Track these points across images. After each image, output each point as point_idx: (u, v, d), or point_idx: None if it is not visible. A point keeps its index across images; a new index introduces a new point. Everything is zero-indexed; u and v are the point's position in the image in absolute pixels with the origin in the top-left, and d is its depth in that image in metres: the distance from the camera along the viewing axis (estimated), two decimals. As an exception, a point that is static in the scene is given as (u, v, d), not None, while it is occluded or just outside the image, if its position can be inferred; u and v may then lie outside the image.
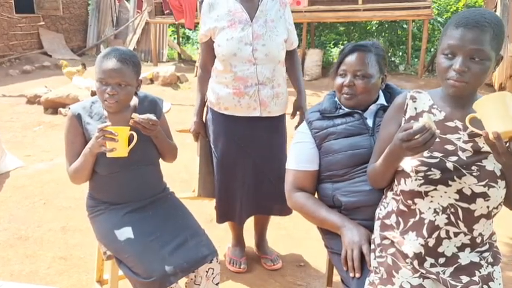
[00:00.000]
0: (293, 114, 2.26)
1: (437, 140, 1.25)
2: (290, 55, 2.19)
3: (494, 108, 1.10)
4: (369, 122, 1.58)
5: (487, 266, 1.28)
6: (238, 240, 2.45)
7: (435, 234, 1.26)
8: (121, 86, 1.61)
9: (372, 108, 1.60)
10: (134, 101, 1.78)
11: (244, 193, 2.18)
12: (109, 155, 1.57)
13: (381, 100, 1.63)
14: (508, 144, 1.09)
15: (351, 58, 1.58)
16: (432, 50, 10.19)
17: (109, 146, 1.55)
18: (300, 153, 1.64)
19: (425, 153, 1.25)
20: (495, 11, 7.03)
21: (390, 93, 1.67)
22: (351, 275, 1.39)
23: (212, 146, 2.19)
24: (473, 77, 1.18)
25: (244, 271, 2.36)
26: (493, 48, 1.18)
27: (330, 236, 1.58)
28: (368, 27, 11.02)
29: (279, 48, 2.03)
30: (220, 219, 2.28)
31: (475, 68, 1.18)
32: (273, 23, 2.03)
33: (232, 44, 1.98)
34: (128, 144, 1.60)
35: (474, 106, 1.14)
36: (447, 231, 1.26)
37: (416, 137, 1.14)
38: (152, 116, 1.65)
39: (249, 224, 2.42)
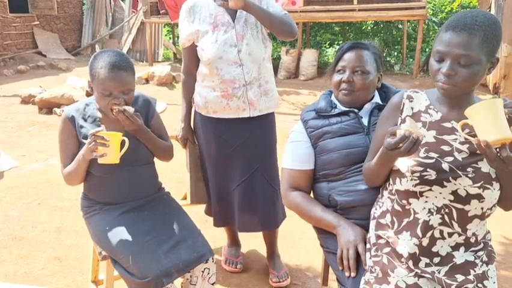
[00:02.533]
0: None
1: (434, 140, 1.26)
2: None
3: (484, 116, 1.11)
4: (365, 121, 1.59)
5: (482, 265, 1.29)
6: (234, 240, 2.45)
7: (429, 234, 1.26)
8: (123, 94, 1.61)
9: (368, 107, 1.60)
10: None
11: (241, 195, 2.12)
12: (100, 160, 1.56)
13: (377, 99, 1.64)
14: (499, 150, 1.10)
15: (350, 55, 1.60)
16: (427, 50, 10.24)
17: (100, 151, 1.54)
18: (295, 152, 1.64)
19: (421, 154, 1.26)
20: (489, 11, 7.08)
21: (385, 93, 1.68)
22: (347, 274, 1.39)
23: (203, 151, 2.16)
24: (461, 81, 1.19)
25: (240, 271, 2.36)
26: (483, 51, 1.17)
27: (326, 235, 1.58)
28: (363, 28, 11.05)
29: (260, 46, 2.01)
30: (218, 223, 2.26)
31: (462, 72, 1.18)
32: (252, 19, 1.99)
33: (217, 47, 1.95)
34: (120, 150, 1.59)
35: (466, 113, 1.15)
36: (441, 231, 1.26)
37: (399, 145, 1.18)
38: (129, 108, 1.61)
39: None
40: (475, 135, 1.14)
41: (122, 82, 1.59)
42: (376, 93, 1.66)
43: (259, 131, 2.09)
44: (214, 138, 2.09)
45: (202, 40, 2.00)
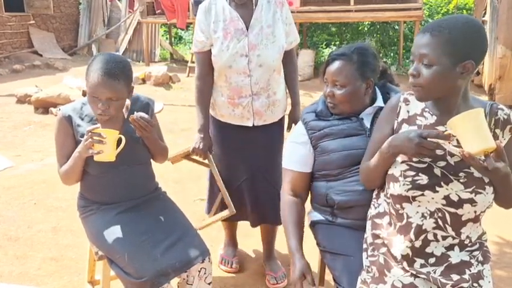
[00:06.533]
0: (289, 128, 2.17)
1: None
2: (286, 56, 2.07)
3: (465, 127, 1.12)
4: (367, 123, 1.59)
5: (477, 265, 1.29)
6: (231, 240, 2.45)
7: (422, 237, 1.27)
8: (112, 100, 1.57)
9: (369, 111, 1.60)
10: (127, 102, 1.77)
11: (245, 192, 2.14)
12: (96, 158, 1.55)
13: (379, 102, 1.61)
14: (484, 159, 1.11)
15: (331, 67, 1.60)
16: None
17: (96, 148, 1.54)
18: (294, 153, 1.65)
19: (414, 158, 1.26)
20: (485, 13, 7.10)
21: (388, 94, 1.65)
22: None
23: (214, 146, 2.16)
24: (424, 82, 1.21)
25: (235, 270, 2.36)
26: (445, 52, 1.17)
27: (322, 235, 1.59)
28: (359, 28, 11.08)
29: (274, 57, 1.96)
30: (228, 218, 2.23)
31: (424, 72, 1.21)
32: (269, 29, 1.95)
33: (227, 55, 1.92)
34: (117, 148, 1.59)
35: (448, 124, 1.16)
36: (435, 235, 1.27)
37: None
38: (145, 115, 1.64)
39: (246, 226, 2.42)
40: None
41: (110, 89, 1.55)
42: (379, 96, 1.65)
43: (262, 137, 2.08)
44: (220, 136, 2.12)
45: (213, 46, 1.97)
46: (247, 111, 2.01)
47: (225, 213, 2.11)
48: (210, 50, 2.00)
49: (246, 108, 2.01)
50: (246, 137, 2.07)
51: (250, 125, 2.04)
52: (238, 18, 1.94)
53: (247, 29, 1.94)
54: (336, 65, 1.58)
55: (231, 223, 2.36)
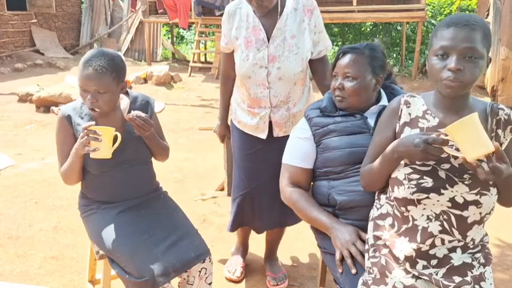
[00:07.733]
0: None
1: None
2: (317, 65, 1.99)
3: (464, 135, 1.11)
4: (371, 122, 1.58)
5: (479, 267, 1.29)
6: (243, 245, 2.40)
7: (429, 242, 1.26)
8: (99, 93, 1.59)
9: (374, 109, 1.60)
10: (126, 101, 1.77)
11: (262, 196, 2.09)
12: (92, 155, 1.56)
13: (384, 101, 1.62)
14: (486, 162, 1.11)
15: (342, 61, 1.60)
16: (426, 51, 10.28)
17: (92, 146, 1.54)
18: (296, 148, 1.65)
19: (418, 161, 1.25)
20: (487, 14, 7.09)
21: (393, 94, 1.66)
22: (353, 271, 1.39)
23: (233, 149, 2.18)
24: (469, 76, 1.18)
25: (238, 280, 2.29)
26: (485, 46, 1.19)
27: (323, 236, 1.58)
28: (362, 29, 11.09)
29: (296, 70, 1.87)
30: (234, 225, 2.19)
31: (469, 66, 1.17)
32: (293, 40, 1.86)
33: (247, 66, 1.88)
34: (113, 145, 1.59)
35: (445, 131, 1.15)
36: (442, 240, 1.26)
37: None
38: (141, 114, 1.64)
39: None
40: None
41: (96, 81, 1.56)
42: (384, 95, 1.65)
43: (281, 144, 1.98)
44: (238, 140, 2.12)
45: (235, 52, 1.96)
46: (263, 122, 1.98)
47: (219, 193, 2.16)
48: (232, 53, 2.00)
49: (263, 119, 1.97)
50: (264, 144, 2.04)
51: (264, 137, 2.00)
52: (260, 27, 1.88)
53: (269, 40, 1.88)
54: (348, 57, 1.58)
55: (243, 228, 2.29)
